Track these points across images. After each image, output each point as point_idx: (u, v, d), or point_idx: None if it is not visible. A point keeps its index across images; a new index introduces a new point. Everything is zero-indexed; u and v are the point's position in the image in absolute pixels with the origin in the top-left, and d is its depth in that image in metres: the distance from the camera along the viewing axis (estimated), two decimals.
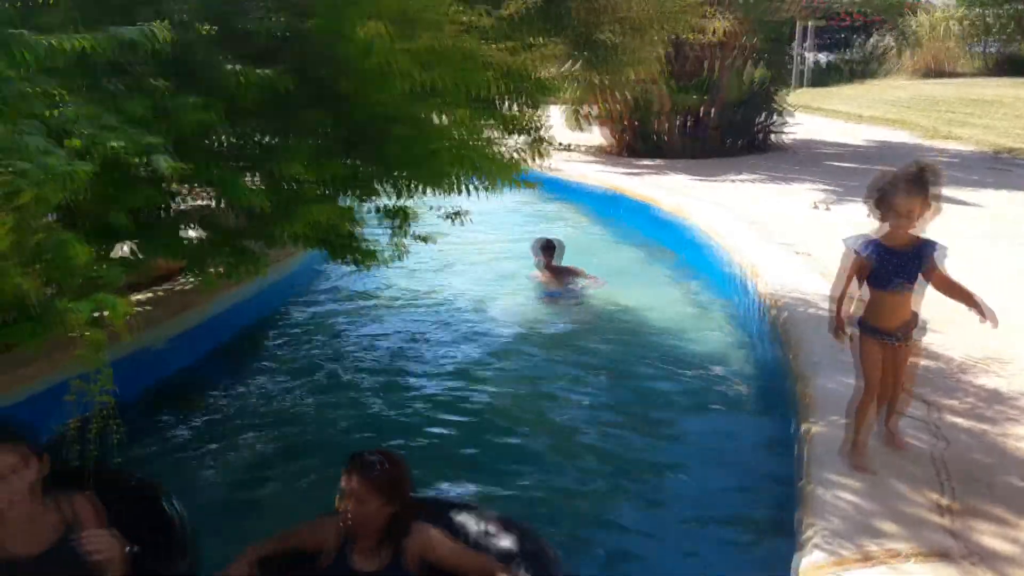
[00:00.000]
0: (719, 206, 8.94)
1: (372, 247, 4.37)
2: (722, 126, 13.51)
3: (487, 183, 4.36)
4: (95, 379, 2.10)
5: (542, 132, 5.50)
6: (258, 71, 3.34)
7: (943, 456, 3.37)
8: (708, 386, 5.21)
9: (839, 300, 3.28)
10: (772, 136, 14.18)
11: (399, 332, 6.35)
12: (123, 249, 3.73)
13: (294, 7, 3.62)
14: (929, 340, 3.36)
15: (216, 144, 3.66)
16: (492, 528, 2.76)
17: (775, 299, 5.53)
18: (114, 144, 2.26)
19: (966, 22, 22.68)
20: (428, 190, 4.40)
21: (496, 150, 4.54)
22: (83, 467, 2.68)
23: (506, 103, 5.16)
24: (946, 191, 3.22)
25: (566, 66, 6.55)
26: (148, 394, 4.75)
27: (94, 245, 3.34)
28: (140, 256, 3.53)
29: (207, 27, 3.31)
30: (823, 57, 24.97)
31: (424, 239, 4.76)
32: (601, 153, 14.11)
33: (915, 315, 3.27)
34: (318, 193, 3.86)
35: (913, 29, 22.81)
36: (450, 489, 3.93)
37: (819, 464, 3.35)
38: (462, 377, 5.45)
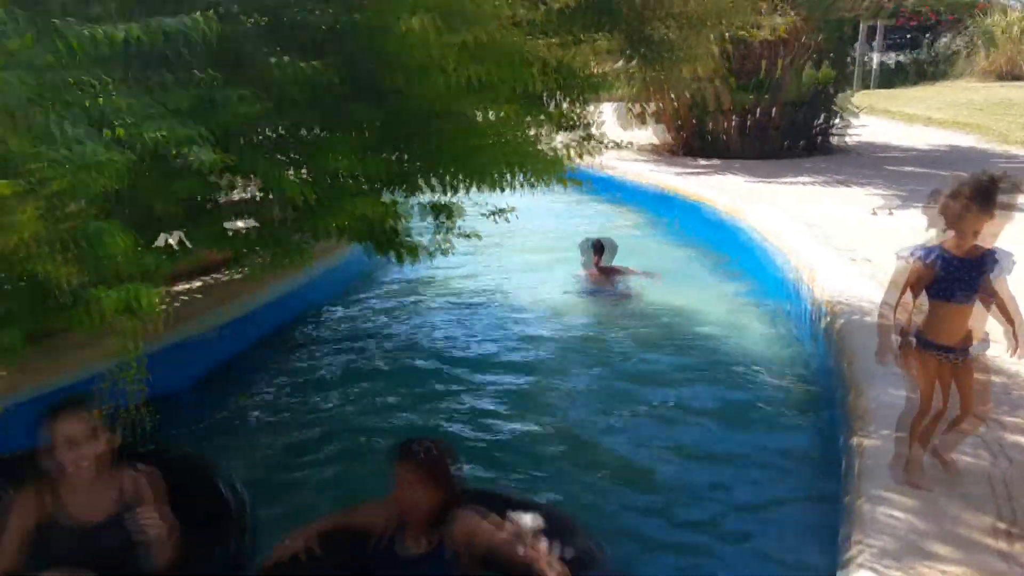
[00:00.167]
0: (776, 208, 8.73)
1: (416, 242, 4.34)
2: (782, 126, 13.20)
3: (532, 180, 4.30)
4: (129, 368, 2.11)
5: (592, 129, 5.44)
6: (304, 64, 3.34)
7: (1004, 476, 3.20)
8: (754, 393, 5.07)
9: (888, 318, 3.04)
10: (834, 138, 13.80)
11: (444, 325, 6.43)
12: (172, 239, 3.78)
13: (342, 0, 3.61)
14: (991, 352, 3.17)
15: (262, 137, 3.68)
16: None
17: (830, 305, 5.36)
18: (155, 134, 2.27)
19: None
20: (474, 186, 4.37)
21: (543, 147, 4.49)
22: (150, 447, 2.84)
23: (555, 99, 5.10)
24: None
25: (620, 63, 6.46)
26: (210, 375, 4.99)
27: (142, 234, 3.42)
28: (188, 246, 3.57)
29: (256, 19, 3.32)
30: (890, 57, 24.22)
31: (468, 236, 4.73)
32: (656, 152, 13.93)
33: (974, 330, 3.06)
34: (363, 188, 3.85)
35: (987, 29, 21.97)
36: (492, 480, 3.93)
37: (868, 479, 3.23)
38: (505, 370, 5.49)
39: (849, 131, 13.79)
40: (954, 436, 3.23)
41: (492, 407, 4.89)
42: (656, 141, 14.16)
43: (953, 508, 2.99)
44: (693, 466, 4.24)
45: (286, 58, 3.34)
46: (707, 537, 3.63)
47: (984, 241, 2.94)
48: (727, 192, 9.85)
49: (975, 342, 3.07)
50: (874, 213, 8.53)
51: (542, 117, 4.69)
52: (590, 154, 5.37)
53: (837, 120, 13.56)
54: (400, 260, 4.31)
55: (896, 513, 2.97)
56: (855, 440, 3.59)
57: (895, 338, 3.06)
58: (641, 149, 13.55)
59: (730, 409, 4.88)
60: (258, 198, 3.88)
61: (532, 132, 4.50)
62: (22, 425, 3.35)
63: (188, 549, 2.64)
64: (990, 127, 15.26)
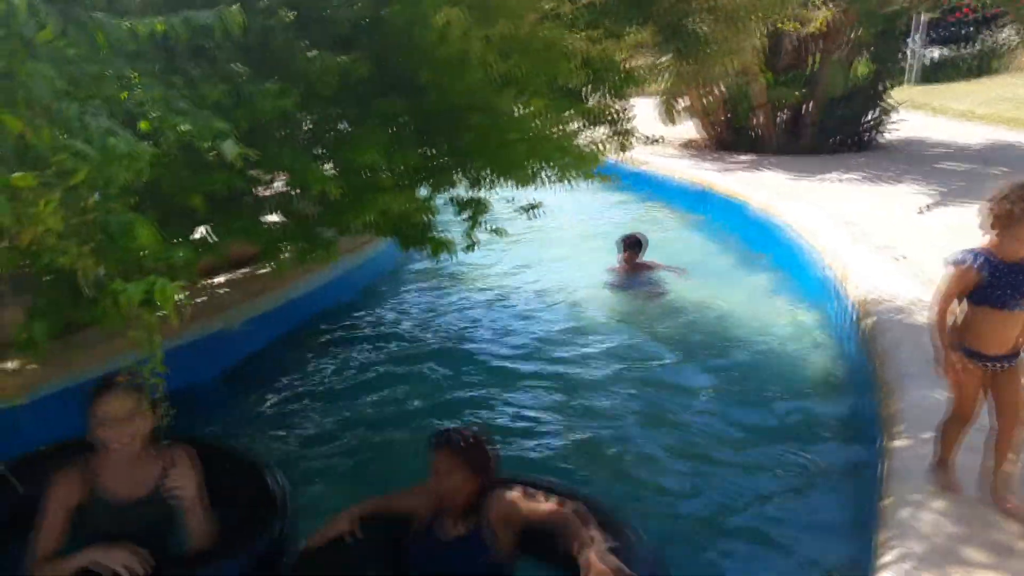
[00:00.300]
0: (812, 205, 8.59)
1: (446, 238, 4.34)
2: (822, 122, 12.95)
3: (565, 175, 4.27)
4: (151, 360, 2.13)
5: (626, 124, 5.38)
6: (335, 58, 3.35)
7: None
8: (785, 393, 4.98)
9: (941, 325, 2.89)
10: (876, 134, 13.51)
11: (474, 318, 6.46)
12: (202, 233, 3.81)
13: None
14: None
15: (292, 131, 3.70)
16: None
17: (863, 304, 5.25)
18: (182, 128, 2.29)
19: None
20: (505, 182, 4.35)
21: (575, 142, 4.45)
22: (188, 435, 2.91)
23: (589, 94, 5.06)
24: None
25: (660, 58, 6.38)
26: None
27: (174, 227, 3.46)
28: (216, 240, 3.60)
29: (287, 13, 3.34)
30: (935, 52, 23.65)
31: (497, 231, 4.71)
32: (692, 147, 13.78)
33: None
34: (393, 183, 3.86)
35: None
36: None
37: (902, 482, 3.15)
38: (534, 362, 5.50)
39: (891, 127, 13.50)
40: (1004, 475, 2.97)
41: (519, 399, 4.89)
42: (689, 136, 14.00)
43: (990, 513, 2.91)
44: (719, 464, 4.17)
45: (316, 52, 3.36)
46: (731, 538, 3.59)
47: None
48: (763, 188, 9.70)
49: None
50: (920, 212, 8.32)
51: (574, 112, 4.65)
52: (624, 150, 5.33)
53: (880, 115, 13.25)
54: (435, 253, 4.31)
55: (930, 517, 2.89)
56: (888, 442, 3.51)
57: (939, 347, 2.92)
58: (673, 144, 13.40)
59: (757, 405, 4.81)
60: (289, 192, 3.91)
61: (567, 127, 4.47)
62: (53, 417, 3.46)
63: (234, 532, 2.75)
64: None
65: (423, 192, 4.30)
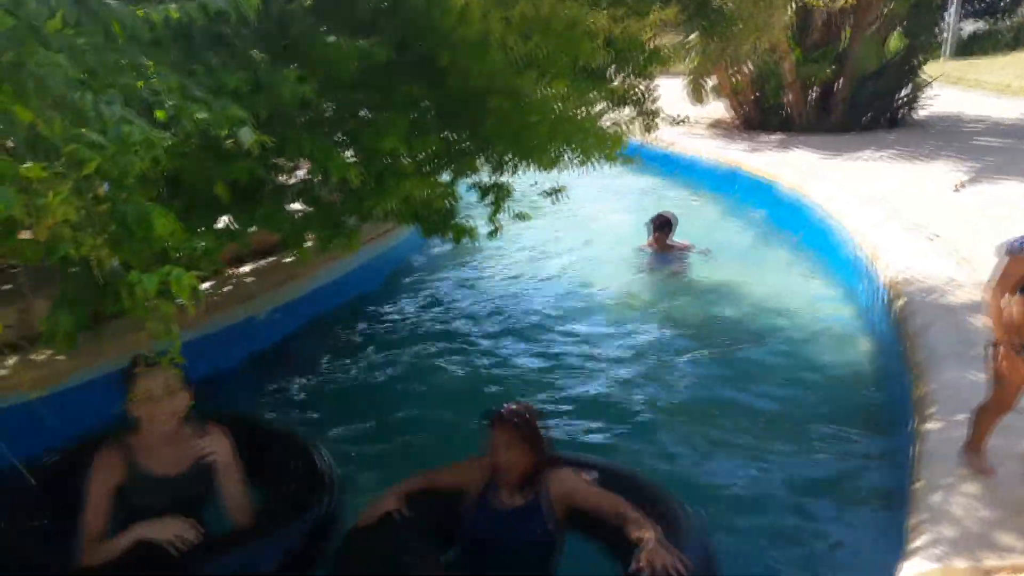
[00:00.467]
0: (843, 184, 8.43)
1: (468, 224, 4.31)
2: (853, 99, 12.70)
3: (589, 157, 4.21)
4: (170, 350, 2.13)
5: (651, 104, 5.30)
6: (355, 42, 3.32)
7: None
8: (815, 374, 4.91)
9: (997, 318, 2.75)
10: (909, 110, 13.22)
11: (501, 301, 6.44)
12: (225, 221, 3.82)
13: None
14: None
15: (313, 117, 3.68)
16: (628, 486, 2.86)
17: (894, 284, 5.15)
18: (198, 116, 2.28)
19: None
20: (528, 165, 4.31)
21: (600, 123, 4.38)
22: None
23: (613, 74, 4.99)
24: None
25: (689, 36, 6.29)
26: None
27: (197, 216, 3.47)
28: (238, 228, 3.61)
29: None
30: (970, 25, 23.06)
31: (521, 216, 4.67)
32: (721, 127, 13.60)
33: None
34: (415, 168, 3.83)
35: None
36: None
37: (934, 465, 3.09)
38: (564, 340, 5.51)
39: (925, 102, 13.21)
40: None
41: (551, 380, 4.90)
42: (718, 116, 13.81)
43: (1020, 495, 2.85)
44: (748, 448, 4.11)
45: (336, 37, 3.33)
46: (761, 520, 3.54)
47: None
48: (793, 168, 9.55)
49: None
50: (956, 189, 8.12)
51: (598, 93, 4.58)
52: (649, 131, 5.26)
53: (916, 92, 12.95)
54: (458, 240, 4.28)
55: (963, 501, 2.84)
56: (919, 425, 3.44)
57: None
58: (700, 124, 13.23)
59: (786, 386, 4.75)
60: (311, 179, 3.91)
61: (591, 109, 4.40)
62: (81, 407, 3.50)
63: (285, 508, 2.82)
64: None
65: (445, 178, 4.27)
